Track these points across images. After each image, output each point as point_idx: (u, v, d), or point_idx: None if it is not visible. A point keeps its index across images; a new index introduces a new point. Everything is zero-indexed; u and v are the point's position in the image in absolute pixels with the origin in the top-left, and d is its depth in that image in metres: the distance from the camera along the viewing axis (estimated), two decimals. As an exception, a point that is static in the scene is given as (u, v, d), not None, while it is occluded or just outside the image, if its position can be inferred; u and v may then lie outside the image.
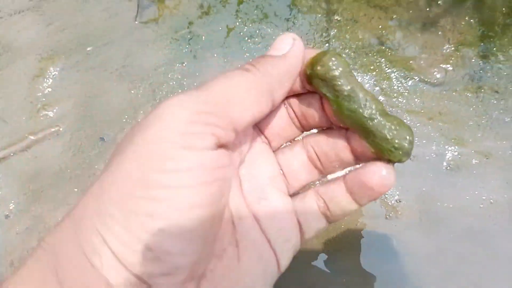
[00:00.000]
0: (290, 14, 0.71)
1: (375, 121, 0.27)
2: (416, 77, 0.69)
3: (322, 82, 0.29)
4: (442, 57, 0.70)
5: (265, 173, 0.32)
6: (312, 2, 0.71)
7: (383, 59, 0.69)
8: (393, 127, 0.27)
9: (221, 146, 0.26)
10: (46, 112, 0.66)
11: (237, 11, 0.71)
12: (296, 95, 0.33)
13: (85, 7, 0.70)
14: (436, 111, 0.68)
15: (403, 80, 0.69)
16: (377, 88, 0.69)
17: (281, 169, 0.33)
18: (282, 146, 0.35)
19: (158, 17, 0.70)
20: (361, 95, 0.28)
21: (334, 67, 0.28)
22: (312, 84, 0.30)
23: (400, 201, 0.66)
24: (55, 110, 0.66)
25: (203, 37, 0.69)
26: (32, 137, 0.64)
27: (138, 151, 0.24)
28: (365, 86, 0.69)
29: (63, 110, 0.66)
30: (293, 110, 0.33)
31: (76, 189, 0.64)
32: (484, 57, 0.71)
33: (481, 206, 0.67)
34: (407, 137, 0.28)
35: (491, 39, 0.72)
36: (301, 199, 0.33)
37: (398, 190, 0.66)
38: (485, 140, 0.68)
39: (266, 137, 0.33)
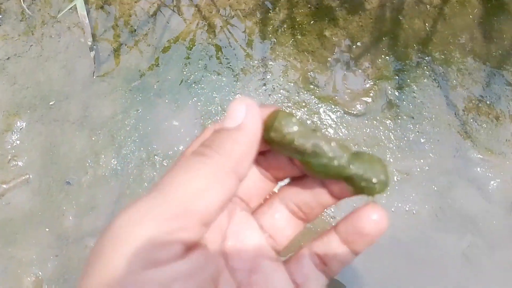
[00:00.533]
0: (229, 62, 0.87)
1: (349, 167, 0.28)
2: (341, 110, 0.85)
3: (282, 147, 0.29)
4: (363, 91, 0.87)
5: (251, 244, 0.32)
6: (249, 51, 0.88)
7: (312, 97, 0.85)
8: (367, 166, 0.28)
9: (192, 247, 0.25)
10: (16, 162, 0.79)
11: (184, 63, 0.87)
12: (262, 152, 0.32)
13: (45, 66, 0.85)
14: (360, 138, 0.85)
15: (330, 114, 0.85)
16: (309, 122, 0.85)
17: (266, 232, 0.34)
18: (260, 205, 0.35)
19: (113, 70, 0.85)
20: (326, 147, 0.28)
21: (288, 130, 0.28)
22: (273, 149, 0.30)
23: (334, 217, 0.81)
24: (24, 160, 0.79)
25: (155, 86, 0.84)
26: (4, 186, 0.77)
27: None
28: (307, 122, 0.85)
29: (31, 159, 0.79)
30: (262, 166, 0.33)
31: (47, 229, 0.77)
32: (400, 88, 0.88)
33: (405, 217, 0.83)
34: (382, 170, 0.28)
35: (405, 72, 0.89)
36: (295, 262, 0.33)
37: (331, 208, 0.81)
38: (405, 160, 0.84)
39: (243, 200, 0.33)
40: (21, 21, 0.85)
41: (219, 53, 0.86)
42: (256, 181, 0.34)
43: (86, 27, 0.75)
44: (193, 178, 0.26)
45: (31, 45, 0.83)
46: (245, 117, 0.28)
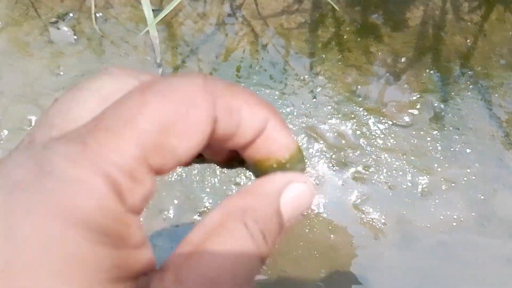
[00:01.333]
0: (281, 77, 0.94)
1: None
2: (389, 122, 0.91)
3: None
4: (409, 103, 0.92)
5: None
6: (300, 67, 0.95)
7: (360, 109, 0.92)
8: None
9: None
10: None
11: (238, 79, 0.94)
12: None
13: (116, 81, 0.94)
14: (408, 148, 0.90)
15: (378, 125, 0.91)
16: (358, 132, 0.91)
17: None
18: None
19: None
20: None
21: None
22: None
23: (385, 224, 0.86)
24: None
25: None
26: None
27: None
28: (348, 132, 0.91)
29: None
30: None
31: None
32: (445, 100, 0.93)
33: (454, 224, 0.87)
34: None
35: (449, 86, 0.94)
36: None
37: (383, 214, 0.86)
38: (451, 169, 0.89)
39: None
40: (93, 41, 0.95)
41: (271, 69, 0.94)
42: None
43: (156, 47, 0.84)
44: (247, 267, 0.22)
45: (103, 63, 0.93)
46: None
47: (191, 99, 0.19)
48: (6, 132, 0.89)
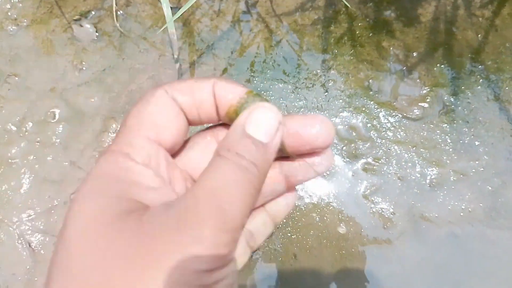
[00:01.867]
0: (295, 72, 0.98)
1: None
2: (399, 115, 0.94)
3: None
4: (420, 97, 0.95)
5: None
6: (313, 62, 0.98)
7: (371, 102, 0.94)
8: None
9: None
10: (111, 159, 0.93)
11: (253, 73, 0.98)
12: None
13: (136, 77, 0.98)
14: (418, 140, 0.92)
15: (389, 118, 0.94)
16: (369, 125, 0.94)
17: None
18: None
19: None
20: None
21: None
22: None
23: (394, 214, 0.89)
24: (118, 157, 0.92)
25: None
26: (102, 179, 0.91)
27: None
28: (359, 124, 0.94)
29: (124, 157, 0.93)
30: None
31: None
32: (455, 94, 0.96)
33: (461, 214, 0.89)
34: None
35: (460, 80, 0.97)
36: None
37: (392, 205, 0.89)
38: (460, 161, 0.91)
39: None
40: (114, 38, 1.00)
41: (285, 64, 0.97)
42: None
43: (174, 43, 0.88)
44: (244, 193, 0.27)
45: (124, 58, 0.97)
46: (276, 136, 0.29)
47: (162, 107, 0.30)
48: (30, 124, 0.94)
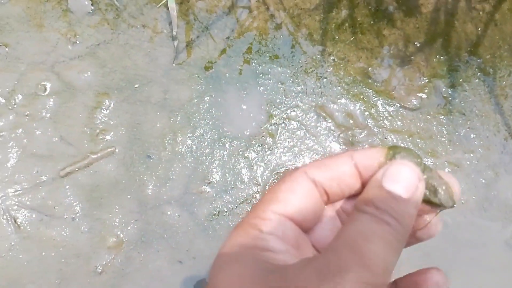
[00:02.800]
0: (294, 56, 0.97)
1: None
2: (397, 104, 0.94)
3: None
4: (418, 87, 0.96)
5: None
6: (312, 47, 0.98)
7: (370, 90, 0.95)
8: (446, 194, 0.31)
9: None
10: (103, 136, 0.91)
11: (252, 56, 0.97)
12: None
13: (131, 53, 0.96)
14: (414, 130, 0.93)
15: (387, 107, 0.94)
16: (366, 113, 0.94)
17: None
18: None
19: (189, 59, 0.96)
20: (440, 189, 0.31)
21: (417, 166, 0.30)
22: None
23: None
24: (110, 134, 0.91)
25: (226, 74, 0.95)
26: (93, 156, 0.89)
27: None
28: (356, 112, 0.95)
29: (117, 134, 0.91)
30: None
31: (129, 196, 0.89)
32: (453, 86, 0.96)
33: (455, 206, 0.90)
34: (453, 196, 0.31)
35: (458, 72, 0.98)
36: None
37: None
38: (455, 153, 0.93)
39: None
40: (110, 12, 0.97)
41: (284, 47, 0.97)
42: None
43: (174, 19, 0.87)
44: (384, 249, 0.27)
45: (119, 34, 0.96)
46: (416, 191, 0.29)
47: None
48: (20, 96, 0.92)
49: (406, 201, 0.29)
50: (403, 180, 0.29)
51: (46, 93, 0.92)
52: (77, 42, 0.95)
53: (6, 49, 0.94)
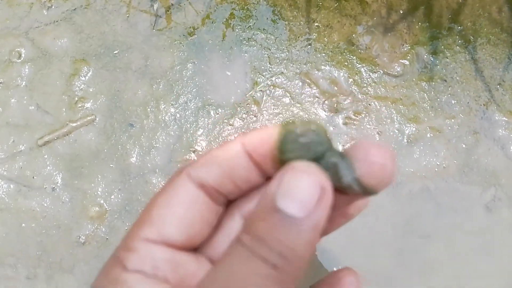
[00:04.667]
0: (278, 22, 0.98)
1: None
2: (380, 71, 0.96)
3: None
4: (401, 54, 0.98)
5: None
6: (296, 13, 0.98)
7: (354, 57, 0.96)
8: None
9: None
10: (83, 104, 0.89)
11: (235, 22, 0.97)
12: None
13: (109, 18, 0.95)
14: (397, 97, 0.96)
15: (370, 73, 0.96)
16: (350, 80, 0.96)
17: None
18: None
19: (170, 25, 0.95)
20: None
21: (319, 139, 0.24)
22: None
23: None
24: (90, 102, 0.89)
25: (209, 41, 0.95)
26: (72, 124, 0.88)
27: None
28: (341, 79, 0.96)
29: (96, 102, 0.90)
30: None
31: (111, 165, 0.88)
32: (434, 53, 0.99)
33: (436, 170, 0.94)
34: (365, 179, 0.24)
35: (439, 39, 1.00)
36: None
37: (370, 159, 0.92)
38: (437, 119, 0.96)
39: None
40: (86, -24, 0.95)
41: (268, 13, 0.97)
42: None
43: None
44: None
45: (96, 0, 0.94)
46: (318, 205, 0.22)
47: None
48: (-6, 64, 0.89)
49: (300, 224, 0.21)
50: (299, 194, 0.22)
51: (20, 60, 0.90)
52: (53, 7, 0.93)
53: (-25, 13, 0.91)
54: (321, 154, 0.24)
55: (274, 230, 0.21)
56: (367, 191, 0.23)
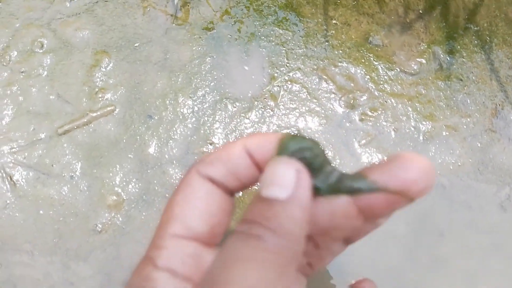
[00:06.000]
0: (296, 19, 1.00)
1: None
2: (397, 69, 0.98)
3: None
4: (418, 53, 1.00)
5: None
6: (314, 10, 1.01)
7: (371, 55, 0.98)
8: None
9: None
10: (103, 95, 0.92)
11: (254, 18, 1.00)
12: None
13: (130, 12, 0.97)
14: (413, 94, 0.97)
15: (387, 71, 0.98)
16: (367, 77, 0.98)
17: None
18: None
19: (188, 19, 0.98)
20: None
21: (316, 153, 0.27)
22: None
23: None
24: (110, 93, 0.92)
25: (228, 35, 0.97)
26: (92, 114, 0.90)
27: None
28: (357, 75, 0.98)
29: (116, 93, 0.92)
30: None
31: (130, 156, 0.90)
32: (451, 52, 1.01)
33: (451, 168, 0.95)
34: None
35: (456, 39, 1.02)
36: None
37: (386, 155, 0.94)
38: (453, 117, 0.97)
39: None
40: (108, -30, 0.98)
41: (287, 11, 0.99)
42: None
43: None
44: (254, 275, 0.21)
45: (118, -8, 0.96)
46: (297, 185, 0.24)
47: None
48: (15, 53, 0.92)
49: (284, 202, 0.24)
50: (278, 180, 0.24)
51: (42, 50, 0.92)
52: (74, -1, 0.96)
53: (0, 4, 0.94)
54: (316, 169, 0.27)
55: (264, 212, 0.24)
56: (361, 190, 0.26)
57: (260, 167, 0.28)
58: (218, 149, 0.28)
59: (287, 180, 0.24)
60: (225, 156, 0.28)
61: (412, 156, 0.26)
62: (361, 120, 0.94)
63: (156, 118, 0.90)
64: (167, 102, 0.91)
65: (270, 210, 0.24)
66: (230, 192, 0.29)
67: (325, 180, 0.27)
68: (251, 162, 0.28)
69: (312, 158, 0.27)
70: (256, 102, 0.94)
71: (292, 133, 0.28)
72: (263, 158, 0.27)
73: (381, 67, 0.97)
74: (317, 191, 0.26)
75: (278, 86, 0.94)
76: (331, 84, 0.95)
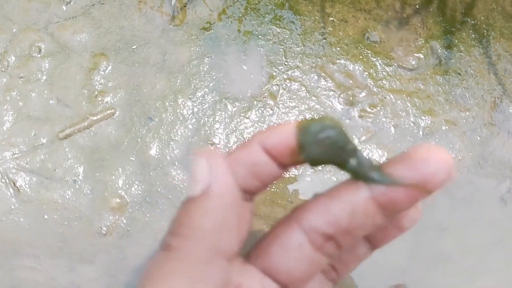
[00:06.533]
0: (293, 17, 1.00)
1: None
2: (395, 64, 0.99)
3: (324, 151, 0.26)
4: (415, 48, 1.00)
5: None
6: (311, 8, 1.01)
7: (369, 51, 0.99)
8: None
9: None
10: (102, 98, 0.92)
11: (252, 17, 1.00)
12: None
13: (127, 14, 0.98)
14: (412, 90, 0.98)
15: (385, 67, 0.99)
16: (365, 74, 0.98)
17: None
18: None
19: (185, 20, 0.98)
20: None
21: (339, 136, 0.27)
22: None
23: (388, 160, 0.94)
24: (109, 96, 0.92)
25: (226, 35, 0.98)
26: (92, 118, 0.91)
27: None
28: (356, 72, 0.99)
29: (116, 96, 0.93)
30: None
31: (131, 158, 0.91)
32: (448, 47, 1.02)
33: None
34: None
35: (453, 33, 1.03)
36: None
37: (386, 151, 0.95)
38: (452, 111, 0.98)
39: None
40: (104, -28, 0.98)
41: (283, 9, 1.00)
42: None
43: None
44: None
45: (115, -6, 0.97)
46: (211, 177, 0.24)
47: None
48: (13, 58, 0.92)
49: (198, 198, 0.25)
50: (194, 176, 0.26)
51: (40, 54, 0.93)
52: (71, 2, 0.96)
53: (-4, 9, 0.94)
54: (341, 147, 0.27)
55: (178, 217, 0.25)
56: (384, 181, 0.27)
57: (280, 161, 0.28)
58: (233, 151, 0.28)
59: (200, 174, 0.25)
60: (242, 157, 0.27)
61: (430, 147, 0.25)
62: (360, 116, 0.95)
63: (156, 120, 0.91)
64: (167, 103, 0.92)
65: (184, 214, 0.24)
66: (250, 197, 0.28)
67: (353, 161, 0.27)
68: (269, 158, 0.27)
69: (336, 136, 0.27)
70: (255, 102, 0.94)
71: (306, 120, 0.28)
72: (281, 151, 0.27)
73: (379, 63, 0.98)
74: (345, 169, 0.27)
75: (277, 84, 0.95)
76: (330, 82, 0.96)
